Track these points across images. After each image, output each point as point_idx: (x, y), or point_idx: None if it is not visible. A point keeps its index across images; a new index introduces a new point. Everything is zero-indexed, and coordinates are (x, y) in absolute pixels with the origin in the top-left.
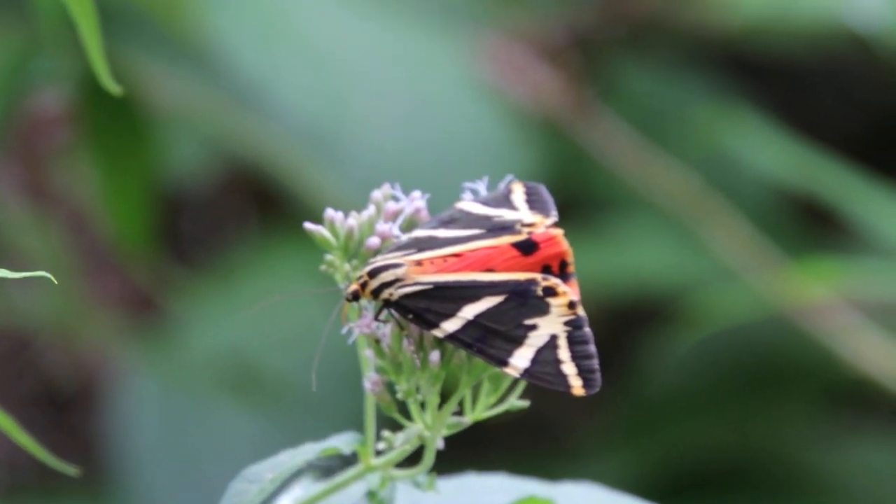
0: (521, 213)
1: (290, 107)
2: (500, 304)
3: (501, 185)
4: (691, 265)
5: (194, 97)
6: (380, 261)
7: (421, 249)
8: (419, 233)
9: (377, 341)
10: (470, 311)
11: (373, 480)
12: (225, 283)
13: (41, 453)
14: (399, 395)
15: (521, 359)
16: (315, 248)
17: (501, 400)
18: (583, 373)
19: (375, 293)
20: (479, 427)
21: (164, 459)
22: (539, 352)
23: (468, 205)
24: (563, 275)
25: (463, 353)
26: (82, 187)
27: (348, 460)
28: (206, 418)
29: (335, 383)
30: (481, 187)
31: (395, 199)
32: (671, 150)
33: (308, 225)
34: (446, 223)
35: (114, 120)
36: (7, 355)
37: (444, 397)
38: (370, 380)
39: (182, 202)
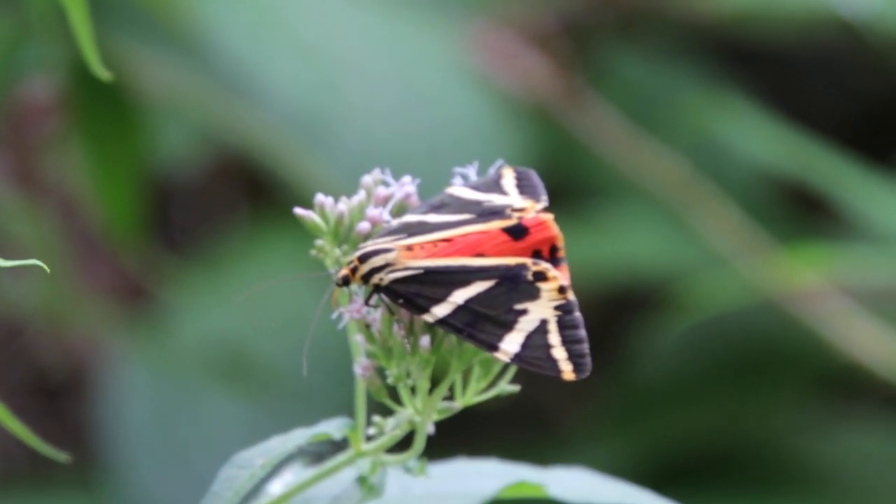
0: (512, 197)
1: (280, 94)
2: (491, 288)
3: (491, 170)
4: (682, 251)
5: (184, 84)
6: (370, 245)
7: (411, 234)
8: (409, 218)
9: (367, 326)
10: (460, 296)
11: (363, 466)
12: (215, 270)
13: (33, 440)
14: (389, 380)
15: (511, 343)
16: (305, 235)
17: (492, 385)
18: (573, 357)
19: (366, 278)
20: (469, 412)
21: (155, 446)
22: (529, 336)
23: (458, 190)
24: (554, 259)
25: (453, 337)
26: (73, 175)
27: (339, 446)
28: (196, 405)
29: (326, 369)
30: (471, 172)
31: (386, 184)
32: (661, 137)
33: (298, 210)
34: (436, 208)
35: (104, 107)
36: None
37: (435, 382)
38: (360, 365)
39: (172, 190)
